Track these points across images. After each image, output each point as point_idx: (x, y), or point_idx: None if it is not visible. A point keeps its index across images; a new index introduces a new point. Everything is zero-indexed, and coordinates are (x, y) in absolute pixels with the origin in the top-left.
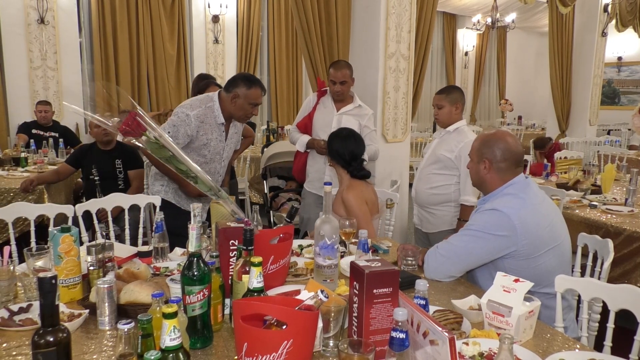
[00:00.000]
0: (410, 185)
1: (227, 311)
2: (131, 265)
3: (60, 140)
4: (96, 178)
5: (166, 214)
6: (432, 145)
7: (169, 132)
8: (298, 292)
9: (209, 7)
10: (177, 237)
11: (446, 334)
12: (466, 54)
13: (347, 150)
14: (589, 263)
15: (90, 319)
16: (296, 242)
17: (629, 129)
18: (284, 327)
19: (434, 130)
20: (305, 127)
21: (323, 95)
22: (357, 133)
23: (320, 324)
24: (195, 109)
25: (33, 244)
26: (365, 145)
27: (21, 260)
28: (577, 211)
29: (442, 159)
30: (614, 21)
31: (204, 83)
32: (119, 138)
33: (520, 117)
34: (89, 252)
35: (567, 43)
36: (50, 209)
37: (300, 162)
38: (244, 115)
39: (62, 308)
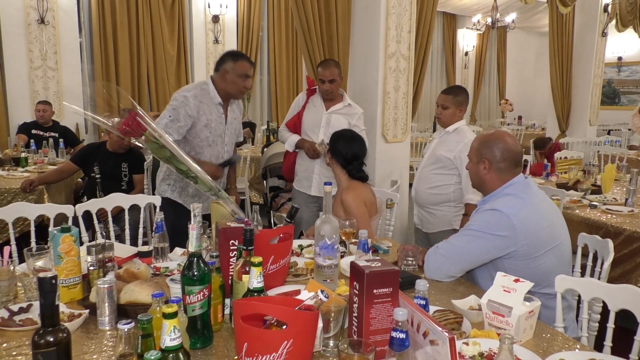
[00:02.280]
0: (411, 185)
1: (227, 311)
2: (131, 265)
3: (61, 140)
4: (97, 176)
5: (171, 212)
6: (432, 145)
7: (170, 117)
8: (298, 292)
9: (209, 7)
10: (181, 235)
11: (446, 334)
12: (466, 54)
13: (350, 151)
14: (589, 263)
15: (90, 319)
16: (296, 242)
17: (629, 129)
18: (284, 327)
19: (434, 130)
20: (295, 126)
21: (312, 94)
22: (360, 136)
23: (320, 324)
24: (191, 90)
25: (33, 244)
26: None
27: (21, 260)
28: (577, 211)
29: (441, 159)
30: (614, 21)
31: None
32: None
33: (520, 117)
34: (89, 252)
35: (567, 43)
36: (50, 209)
37: (289, 161)
38: (237, 89)
39: (62, 308)
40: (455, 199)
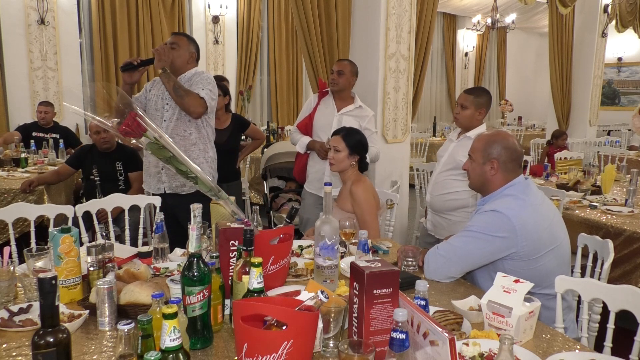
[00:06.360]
0: (411, 186)
1: (227, 312)
2: (131, 266)
3: (61, 141)
4: (96, 178)
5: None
6: (449, 149)
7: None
8: (298, 292)
9: (209, 7)
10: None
11: (446, 335)
12: (466, 54)
13: (365, 141)
14: (589, 264)
15: (90, 320)
16: (296, 243)
17: (629, 130)
18: (284, 327)
19: (434, 131)
20: (306, 127)
21: (324, 96)
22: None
23: (320, 325)
24: None
25: (33, 245)
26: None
27: (21, 260)
28: (577, 212)
29: (461, 164)
30: (614, 22)
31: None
32: (120, 141)
33: (520, 118)
34: (89, 253)
35: (567, 43)
36: (50, 210)
37: (301, 162)
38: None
39: (62, 309)
40: (473, 204)
